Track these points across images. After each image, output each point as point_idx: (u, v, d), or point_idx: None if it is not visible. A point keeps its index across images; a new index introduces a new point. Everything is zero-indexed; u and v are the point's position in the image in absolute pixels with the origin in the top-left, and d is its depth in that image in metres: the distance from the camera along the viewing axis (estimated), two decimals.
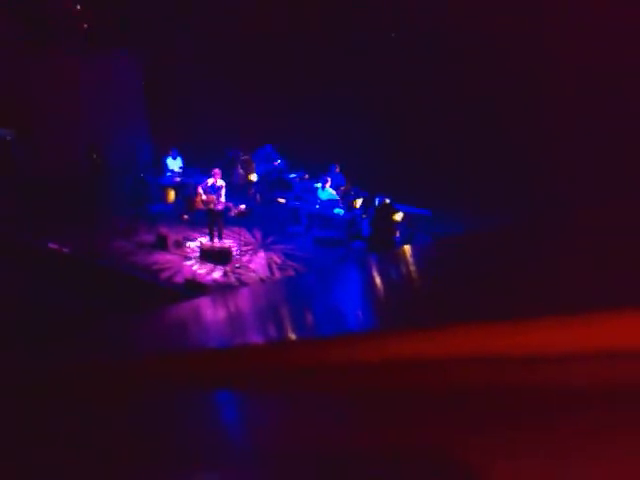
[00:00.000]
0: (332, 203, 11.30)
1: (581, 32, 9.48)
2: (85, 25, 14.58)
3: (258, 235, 11.63)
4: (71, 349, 2.05)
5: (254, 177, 13.17)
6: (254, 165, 13.57)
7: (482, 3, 10.66)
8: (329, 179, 11.43)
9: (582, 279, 1.23)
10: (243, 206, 10.84)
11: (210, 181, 10.70)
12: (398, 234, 10.04)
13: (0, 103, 13.60)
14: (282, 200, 12.38)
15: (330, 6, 12.78)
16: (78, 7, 14.54)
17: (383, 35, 12.33)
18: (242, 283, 9.40)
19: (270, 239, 11.47)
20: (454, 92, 11.43)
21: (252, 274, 9.78)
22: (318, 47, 13.15)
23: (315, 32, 13.08)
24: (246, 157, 13.84)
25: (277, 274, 9.88)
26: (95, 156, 14.04)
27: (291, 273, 9.90)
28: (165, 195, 13.11)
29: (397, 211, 10.02)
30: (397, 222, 9.99)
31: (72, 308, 7.64)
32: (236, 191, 12.80)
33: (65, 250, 9.98)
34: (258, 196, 13.19)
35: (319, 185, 11.53)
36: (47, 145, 13.60)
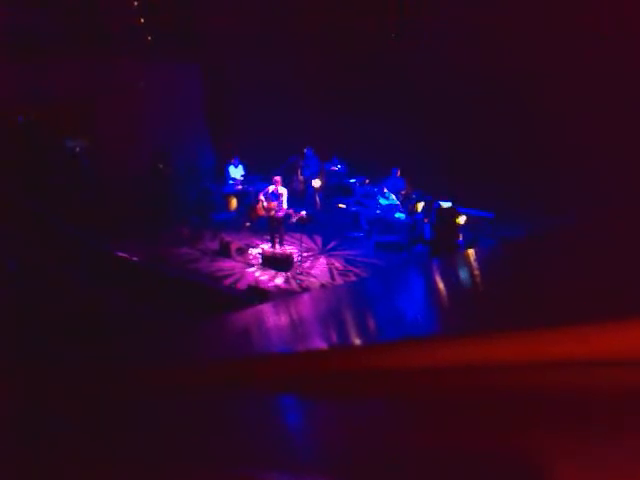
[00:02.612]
0: (393, 207, 11.23)
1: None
2: (149, 37, 15.08)
3: (319, 241, 11.68)
4: (139, 354, 2.11)
5: (316, 183, 13.21)
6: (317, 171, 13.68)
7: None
8: (385, 188, 11.42)
9: None
10: (304, 212, 10.90)
11: (271, 188, 10.83)
12: (461, 237, 9.86)
13: (69, 115, 14.22)
14: (342, 205, 12.39)
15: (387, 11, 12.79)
16: (142, 20, 15.07)
17: (442, 37, 12.19)
18: (303, 289, 9.45)
19: (331, 245, 11.50)
20: (516, 94, 11.17)
21: (313, 280, 9.82)
22: (378, 52, 13.13)
23: (374, 36, 13.09)
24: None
25: (338, 280, 9.88)
26: (162, 166, 14.44)
27: (352, 278, 9.88)
28: (228, 203, 13.35)
29: (460, 214, 9.85)
30: (460, 225, 9.82)
31: (139, 314, 7.87)
32: (297, 197, 12.91)
33: (134, 259, 10.30)
34: (318, 201, 13.24)
35: (376, 191, 11.54)
36: (113, 155, 14.08)
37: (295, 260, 10.37)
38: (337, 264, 10.53)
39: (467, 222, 9.96)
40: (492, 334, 1.04)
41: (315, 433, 1.14)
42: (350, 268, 10.32)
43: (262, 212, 10.99)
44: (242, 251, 10.89)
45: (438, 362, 1.06)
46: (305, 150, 13.84)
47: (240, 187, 13.34)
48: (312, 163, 13.76)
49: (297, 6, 14.15)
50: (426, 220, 10.85)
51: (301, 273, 10.06)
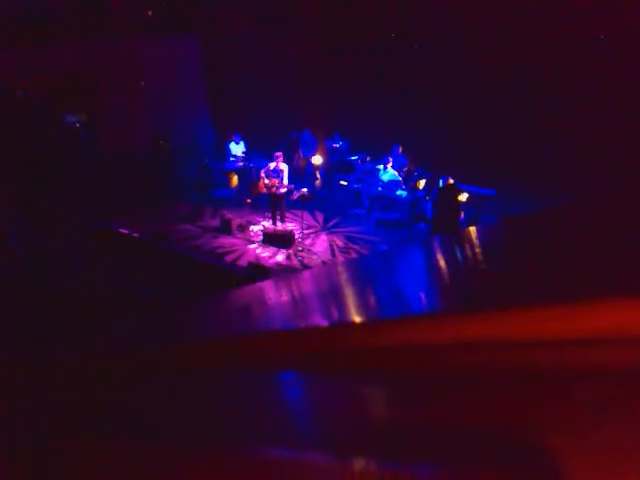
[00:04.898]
0: (394, 184, 11.17)
1: None
2: (149, 12, 14.91)
3: (320, 218, 11.66)
4: (139, 331, 2.12)
5: (317, 160, 13.11)
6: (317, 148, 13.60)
7: None
8: (390, 159, 11.31)
9: None
10: (305, 189, 10.87)
11: (272, 165, 10.78)
12: (463, 215, 9.83)
13: (69, 90, 14.13)
14: (344, 182, 12.34)
15: None
16: None
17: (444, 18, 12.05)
18: (305, 266, 9.46)
19: (332, 222, 11.48)
20: (518, 69, 11.07)
21: (314, 257, 9.83)
22: (379, 29, 12.99)
23: (373, 13, 12.94)
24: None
25: (339, 257, 9.88)
26: (162, 142, 14.36)
27: (353, 256, 9.89)
28: (228, 180, 13.32)
29: (462, 191, 9.81)
30: (462, 203, 9.78)
31: (139, 291, 7.91)
32: (298, 174, 12.86)
33: (135, 235, 10.31)
34: (319, 178, 13.19)
35: (381, 167, 11.43)
36: (113, 130, 14.02)
37: (296, 237, 10.36)
38: (338, 241, 10.52)
39: (469, 199, 9.92)
40: (493, 312, 1.04)
41: (316, 410, 1.14)
42: (351, 245, 10.32)
43: (263, 189, 10.95)
44: (243, 228, 10.88)
45: (437, 340, 1.06)
46: (303, 132, 13.73)
47: (241, 164, 13.29)
48: (310, 145, 13.64)
49: None
50: (427, 197, 10.81)
51: (302, 250, 10.06)
